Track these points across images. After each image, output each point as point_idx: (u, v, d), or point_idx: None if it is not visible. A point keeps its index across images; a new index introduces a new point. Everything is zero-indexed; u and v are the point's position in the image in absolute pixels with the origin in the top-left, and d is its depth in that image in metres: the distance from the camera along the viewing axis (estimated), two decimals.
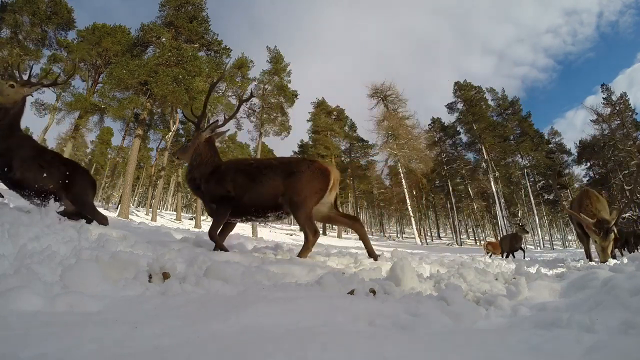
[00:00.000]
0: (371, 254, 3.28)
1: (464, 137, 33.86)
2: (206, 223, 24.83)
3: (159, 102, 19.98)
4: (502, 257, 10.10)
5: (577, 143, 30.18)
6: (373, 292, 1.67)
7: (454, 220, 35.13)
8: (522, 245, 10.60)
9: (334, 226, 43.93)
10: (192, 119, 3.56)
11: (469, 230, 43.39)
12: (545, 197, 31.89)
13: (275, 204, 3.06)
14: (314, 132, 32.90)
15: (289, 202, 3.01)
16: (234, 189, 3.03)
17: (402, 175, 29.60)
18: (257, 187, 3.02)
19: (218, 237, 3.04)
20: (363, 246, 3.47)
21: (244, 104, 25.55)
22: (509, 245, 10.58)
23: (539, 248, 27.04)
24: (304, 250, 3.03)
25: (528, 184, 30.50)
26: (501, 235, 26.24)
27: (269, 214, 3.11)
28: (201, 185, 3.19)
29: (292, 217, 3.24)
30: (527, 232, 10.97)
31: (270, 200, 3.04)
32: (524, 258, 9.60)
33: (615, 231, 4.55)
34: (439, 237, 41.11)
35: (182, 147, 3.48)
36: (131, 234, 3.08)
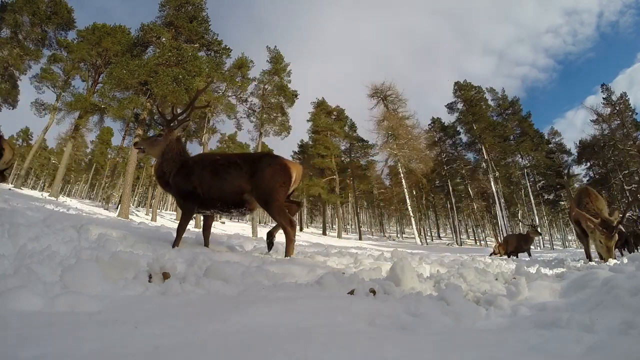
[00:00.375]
0: (270, 234, 3.37)
1: (464, 137, 33.82)
2: None
3: (159, 102, 19.96)
4: (507, 256, 9.40)
5: (577, 143, 30.20)
6: (373, 292, 1.67)
7: (454, 220, 35.11)
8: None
9: (334, 226, 43.96)
10: (166, 116, 3.63)
11: (469, 230, 43.36)
12: (545, 197, 31.88)
13: (240, 200, 3.14)
14: (314, 132, 32.88)
15: (258, 199, 3.10)
16: (200, 185, 3.11)
17: (402, 175, 29.58)
18: (223, 184, 3.10)
19: (183, 235, 3.14)
20: (363, 246, 3.50)
21: (245, 103, 25.20)
22: (516, 245, 9.84)
23: (539, 248, 27.01)
24: (289, 245, 3.09)
25: (528, 184, 30.47)
26: (503, 235, 26.02)
27: (232, 210, 3.21)
28: (170, 180, 3.25)
29: (260, 212, 3.31)
30: (540, 234, 10.22)
31: (234, 197, 3.13)
32: (530, 257, 9.13)
33: (622, 229, 4.53)
34: (439, 237, 41.09)
35: (148, 140, 3.43)
36: (131, 234, 3.09)
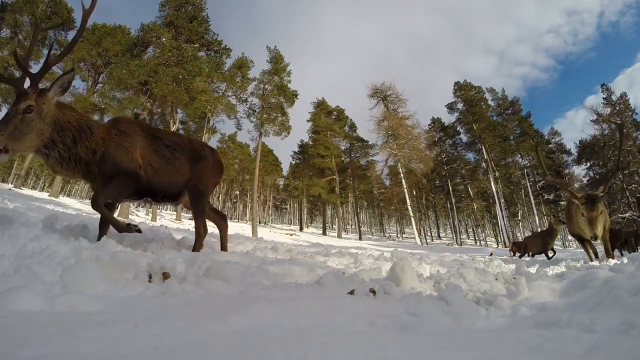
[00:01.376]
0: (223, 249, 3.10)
1: (464, 137, 33.86)
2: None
3: (159, 102, 19.96)
4: (529, 258, 8.57)
5: (577, 143, 30.25)
6: (373, 292, 1.67)
7: (454, 220, 35.11)
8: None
9: (334, 226, 43.95)
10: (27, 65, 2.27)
11: (469, 230, 43.37)
12: (545, 197, 31.90)
13: (180, 191, 2.71)
14: (314, 132, 32.89)
15: (192, 191, 2.68)
16: (144, 167, 2.45)
17: (402, 175, 29.58)
18: (172, 171, 2.60)
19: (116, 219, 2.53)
20: (363, 246, 3.49)
21: (245, 103, 25.20)
22: (542, 244, 8.63)
23: None
24: (198, 244, 2.78)
25: (528, 184, 30.49)
26: (504, 236, 25.84)
27: (167, 202, 2.73)
28: (92, 164, 2.33)
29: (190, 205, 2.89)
30: (563, 223, 9.23)
31: (178, 188, 2.67)
32: (550, 257, 8.32)
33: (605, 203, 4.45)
34: (439, 237, 41.10)
35: (9, 127, 1.99)
36: (131, 234, 3.08)
